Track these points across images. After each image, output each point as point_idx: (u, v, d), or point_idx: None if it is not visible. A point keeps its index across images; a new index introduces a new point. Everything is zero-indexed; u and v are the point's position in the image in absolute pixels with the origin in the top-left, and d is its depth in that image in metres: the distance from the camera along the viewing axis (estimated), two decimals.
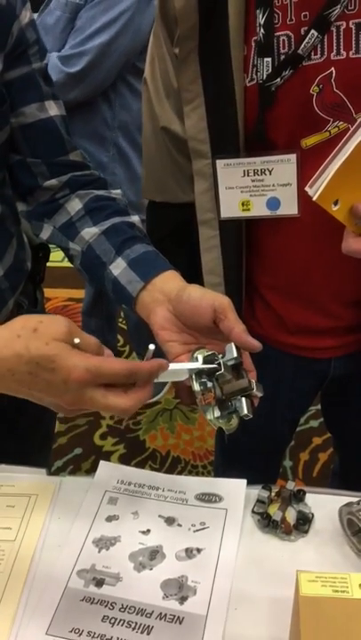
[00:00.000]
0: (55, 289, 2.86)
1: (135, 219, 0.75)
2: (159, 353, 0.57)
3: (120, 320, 2.67)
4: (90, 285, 2.31)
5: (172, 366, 0.56)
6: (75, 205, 0.77)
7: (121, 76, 1.71)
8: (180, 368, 0.57)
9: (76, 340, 0.53)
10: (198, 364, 0.58)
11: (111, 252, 0.70)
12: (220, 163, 0.73)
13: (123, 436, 2.10)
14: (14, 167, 0.78)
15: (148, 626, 0.60)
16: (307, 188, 0.59)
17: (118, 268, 0.69)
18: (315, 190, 0.58)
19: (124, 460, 1.98)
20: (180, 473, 1.94)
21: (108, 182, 0.81)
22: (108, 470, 0.78)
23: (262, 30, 0.67)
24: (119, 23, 1.64)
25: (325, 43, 0.66)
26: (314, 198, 0.58)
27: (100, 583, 0.64)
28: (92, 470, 0.78)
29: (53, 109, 0.76)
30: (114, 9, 1.64)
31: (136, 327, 2.16)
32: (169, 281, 0.66)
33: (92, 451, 2.02)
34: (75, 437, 2.08)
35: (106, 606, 0.61)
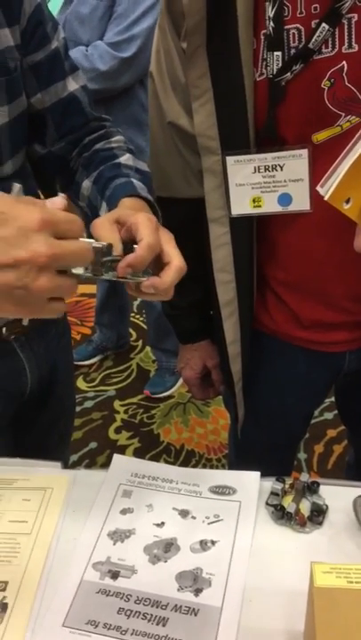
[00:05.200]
0: None
1: (124, 158, 0.76)
2: None
3: (133, 315, 2.68)
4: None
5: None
6: (79, 166, 0.80)
7: None
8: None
9: (16, 187, 0.50)
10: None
11: (98, 198, 0.72)
12: (230, 159, 0.73)
13: (137, 429, 2.11)
14: (42, 160, 0.80)
15: (164, 618, 0.60)
16: (318, 188, 0.59)
17: (103, 210, 0.70)
18: (326, 189, 0.58)
19: (139, 453, 2.00)
20: (194, 466, 1.94)
21: (112, 132, 0.83)
22: (121, 463, 0.79)
23: (272, 24, 0.67)
24: (160, 6, 1.66)
25: (336, 36, 0.66)
26: (325, 198, 0.58)
27: (115, 575, 0.65)
28: (107, 464, 0.79)
29: (73, 84, 0.78)
30: None
31: (156, 321, 2.17)
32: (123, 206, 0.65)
33: (106, 445, 2.04)
34: (89, 432, 2.09)
35: (121, 598, 0.62)
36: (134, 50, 1.68)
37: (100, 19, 1.71)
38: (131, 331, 2.58)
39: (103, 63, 1.68)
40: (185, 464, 1.95)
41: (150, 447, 2.04)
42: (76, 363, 2.40)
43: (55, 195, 0.88)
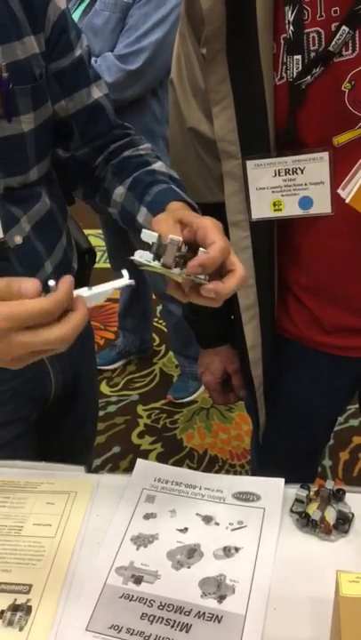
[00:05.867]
0: None
1: (157, 165, 0.77)
2: None
3: (156, 320, 2.69)
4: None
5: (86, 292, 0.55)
6: (108, 173, 0.81)
7: (169, 71, 1.74)
8: (97, 292, 0.56)
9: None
10: (115, 284, 0.56)
11: (135, 203, 0.73)
12: (250, 163, 0.73)
13: (160, 434, 2.11)
14: (65, 164, 0.82)
15: (187, 624, 0.60)
16: (339, 190, 0.59)
17: (142, 215, 0.71)
18: (347, 192, 0.58)
19: (162, 458, 1.99)
20: (217, 472, 1.93)
21: (138, 140, 0.84)
22: (145, 468, 0.79)
23: (291, 27, 0.67)
24: (171, 18, 1.67)
25: (357, 38, 0.65)
26: (347, 200, 0.58)
27: (138, 580, 0.65)
28: (130, 469, 0.79)
29: (97, 92, 0.79)
30: (165, 5, 1.67)
31: (175, 327, 2.18)
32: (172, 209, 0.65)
33: (129, 449, 2.04)
34: (113, 436, 2.10)
35: (145, 604, 0.62)
36: (141, 62, 1.67)
37: (112, 30, 1.71)
38: (154, 336, 2.59)
39: (110, 75, 1.69)
40: (208, 470, 1.94)
41: (173, 452, 2.03)
42: (99, 367, 2.41)
43: (72, 202, 0.89)
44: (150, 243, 0.57)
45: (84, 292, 0.55)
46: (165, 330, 2.61)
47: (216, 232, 0.57)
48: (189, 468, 1.95)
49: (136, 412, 2.23)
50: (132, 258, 0.57)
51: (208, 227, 0.57)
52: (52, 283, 0.51)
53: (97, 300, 0.57)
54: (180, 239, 0.56)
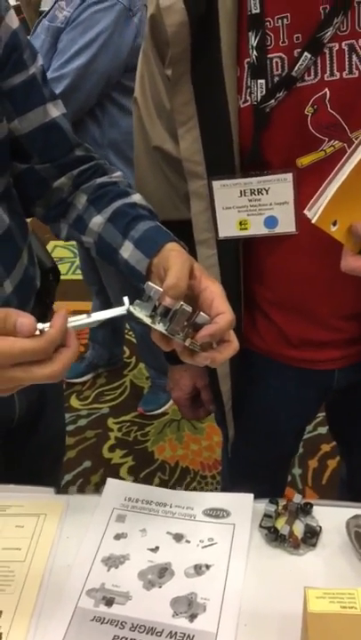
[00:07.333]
0: (60, 302, 2.87)
1: (136, 197, 0.77)
2: None
3: (127, 331, 2.69)
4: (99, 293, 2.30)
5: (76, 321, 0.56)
6: (81, 199, 0.79)
7: (107, 94, 1.71)
8: (95, 319, 0.57)
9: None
10: (104, 314, 0.57)
11: (118, 236, 0.73)
12: (216, 184, 0.74)
13: (131, 447, 2.10)
14: (22, 176, 0.80)
15: None
16: (305, 212, 0.60)
17: (127, 250, 0.71)
18: (313, 213, 0.59)
19: (133, 471, 1.99)
20: (189, 483, 1.94)
21: (108, 167, 0.83)
22: (115, 487, 0.79)
23: (255, 52, 0.68)
24: (97, 44, 1.63)
25: (319, 64, 0.67)
26: (313, 221, 0.59)
27: (109, 602, 0.64)
28: (101, 483, 0.79)
29: (54, 111, 0.78)
30: (92, 30, 1.63)
31: (142, 338, 2.18)
32: (167, 253, 0.66)
33: (100, 463, 2.03)
34: (83, 450, 2.08)
35: (116, 626, 0.62)
36: (62, 89, 1.63)
37: (45, 55, 1.69)
38: (124, 348, 2.58)
39: None
40: (179, 481, 1.94)
41: (144, 465, 2.03)
42: (68, 380, 2.39)
43: (31, 215, 0.87)
44: (150, 294, 0.58)
45: (83, 318, 0.56)
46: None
47: (224, 301, 0.59)
48: (161, 480, 1.95)
49: (107, 426, 2.22)
50: (131, 310, 0.58)
51: (217, 293, 0.60)
52: (41, 326, 0.52)
53: (89, 325, 0.58)
54: (191, 309, 0.57)
